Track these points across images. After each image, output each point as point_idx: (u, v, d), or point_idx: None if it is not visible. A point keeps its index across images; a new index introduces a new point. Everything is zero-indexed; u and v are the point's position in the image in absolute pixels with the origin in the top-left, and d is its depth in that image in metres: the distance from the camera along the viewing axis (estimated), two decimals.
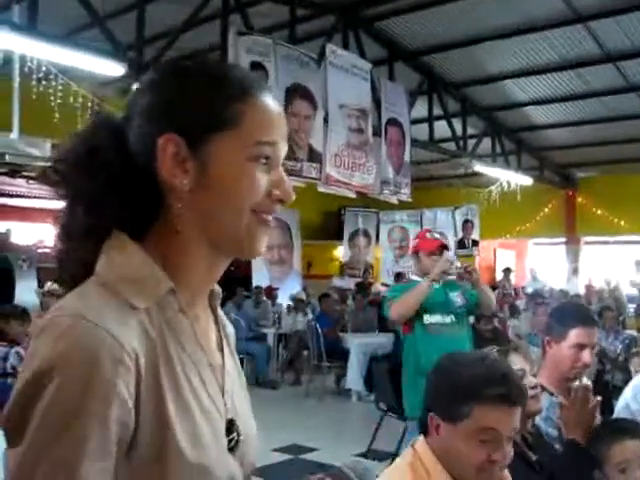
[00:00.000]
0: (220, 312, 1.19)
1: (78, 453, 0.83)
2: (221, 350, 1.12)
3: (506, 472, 1.92)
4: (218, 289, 1.16)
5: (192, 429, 0.95)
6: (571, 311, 3.22)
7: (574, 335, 2.99)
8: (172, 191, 1.00)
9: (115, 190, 1.00)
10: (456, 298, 5.07)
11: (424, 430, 2.00)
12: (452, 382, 1.92)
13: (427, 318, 4.96)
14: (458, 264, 5.12)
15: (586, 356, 2.96)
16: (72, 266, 1.02)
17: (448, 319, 5.00)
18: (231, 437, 1.04)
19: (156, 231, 1.03)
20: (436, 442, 1.93)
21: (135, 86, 7.63)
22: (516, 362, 2.52)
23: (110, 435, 0.86)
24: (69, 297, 0.95)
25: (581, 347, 2.97)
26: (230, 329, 1.23)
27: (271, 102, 1.05)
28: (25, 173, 8.13)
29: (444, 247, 5.23)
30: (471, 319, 5.98)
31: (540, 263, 18.71)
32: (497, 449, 1.84)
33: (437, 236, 5.48)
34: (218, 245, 1.04)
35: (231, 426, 1.05)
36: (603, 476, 2.55)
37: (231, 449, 1.03)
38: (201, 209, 1.00)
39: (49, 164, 1.03)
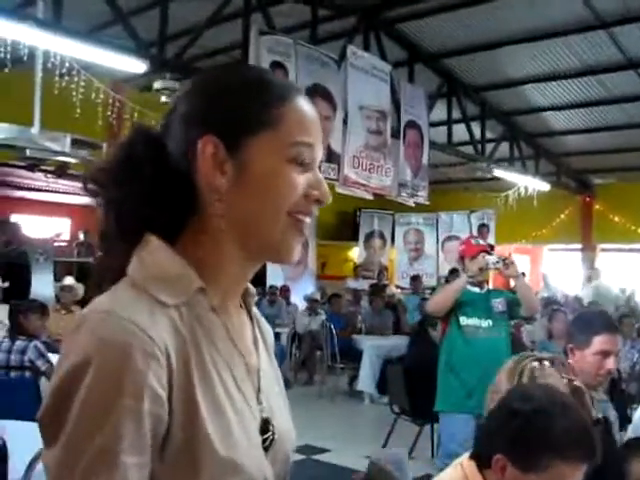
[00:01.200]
0: (255, 310, 1.20)
1: (115, 448, 0.84)
2: (257, 349, 1.13)
3: None
4: (252, 288, 1.17)
5: (223, 425, 0.95)
6: (594, 318, 3.23)
7: (598, 342, 3.00)
8: (211, 192, 1.01)
9: (149, 197, 1.02)
10: (497, 304, 5.19)
11: (477, 459, 1.96)
12: (536, 433, 1.83)
13: (464, 320, 5.13)
14: (495, 259, 5.17)
15: (610, 363, 2.97)
16: (106, 271, 1.03)
17: (485, 323, 5.13)
18: (266, 436, 1.05)
19: (190, 232, 1.04)
20: None
21: (157, 84, 7.70)
22: (551, 375, 2.52)
23: (145, 429, 0.86)
24: (102, 296, 0.96)
25: (605, 354, 2.98)
26: (267, 327, 1.24)
27: (308, 105, 1.07)
28: (44, 167, 8.17)
29: (486, 252, 5.34)
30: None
31: (555, 269, 18.63)
32: None
33: (481, 242, 5.67)
34: (251, 247, 1.05)
35: (266, 425, 1.05)
36: None
37: (266, 448, 1.04)
38: (237, 211, 1.02)
39: (90, 174, 1.06)
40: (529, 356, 2.81)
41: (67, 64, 7.14)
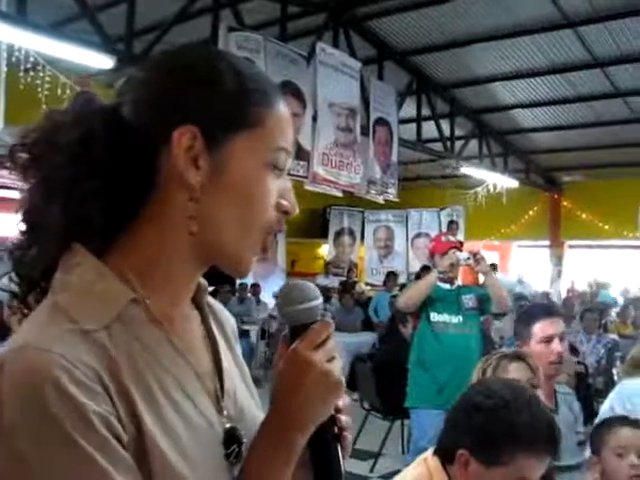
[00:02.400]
0: (214, 306, 1.13)
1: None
2: (214, 350, 1.04)
3: None
4: (204, 283, 1.07)
5: (176, 446, 0.87)
6: (530, 310, 3.31)
7: (538, 329, 3.07)
8: (181, 189, 0.92)
9: (105, 184, 0.92)
10: (467, 300, 5.21)
11: (441, 454, 1.96)
12: (499, 428, 1.83)
13: (434, 316, 5.15)
14: (466, 255, 5.19)
15: (557, 346, 3.02)
16: (31, 267, 0.94)
17: (456, 319, 5.16)
18: (231, 449, 0.96)
19: (137, 231, 0.94)
20: (460, 477, 1.88)
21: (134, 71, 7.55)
22: (518, 369, 2.53)
23: (115, 447, 0.80)
24: (23, 325, 0.88)
25: (548, 339, 3.03)
26: (225, 317, 1.16)
27: (286, 109, 1.00)
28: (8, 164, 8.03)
29: (456, 248, 5.37)
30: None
31: (523, 266, 18.80)
32: None
33: (451, 238, 5.75)
34: (211, 255, 0.97)
35: (231, 436, 0.97)
36: (599, 461, 2.61)
37: (233, 462, 0.95)
38: (208, 214, 0.93)
39: (32, 143, 0.93)
40: (496, 353, 2.82)
41: (32, 59, 7.03)
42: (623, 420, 2.72)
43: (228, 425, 0.97)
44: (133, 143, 0.92)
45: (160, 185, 0.93)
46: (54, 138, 0.92)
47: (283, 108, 0.99)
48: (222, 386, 1.00)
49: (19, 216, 0.94)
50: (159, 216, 0.93)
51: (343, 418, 1.00)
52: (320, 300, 1.01)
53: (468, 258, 5.18)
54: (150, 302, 0.92)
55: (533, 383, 2.57)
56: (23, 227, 0.94)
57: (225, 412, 0.98)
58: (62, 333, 0.82)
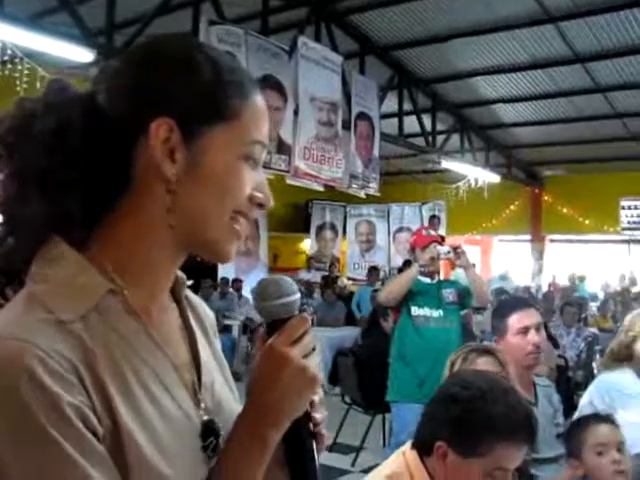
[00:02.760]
0: (193, 300, 1.13)
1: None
2: (192, 343, 1.04)
3: None
4: (182, 276, 1.07)
5: (152, 437, 0.87)
6: (506, 303, 3.33)
7: (514, 321, 3.11)
8: (157, 181, 0.92)
9: (82, 177, 0.91)
10: (448, 294, 5.23)
11: (419, 447, 1.96)
12: (476, 418, 1.83)
13: (415, 310, 5.15)
14: (446, 249, 5.19)
15: (533, 337, 3.04)
16: (7, 258, 0.93)
17: (436, 313, 5.16)
18: (208, 441, 0.96)
19: (113, 223, 0.94)
20: (440, 470, 1.88)
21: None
22: (486, 363, 2.54)
23: (89, 440, 0.79)
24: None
25: (524, 330, 3.06)
26: (204, 311, 1.15)
27: (263, 102, 1.00)
28: None
29: (437, 242, 5.37)
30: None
31: (505, 260, 18.89)
32: None
33: (432, 232, 5.70)
34: (190, 245, 0.97)
35: (208, 428, 0.97)
36: (579, 464, 2.62)
37: (210, 454, 0.96)
38: (185, 205, 0.93)
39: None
40: (465, 347, 2.84)
41: (9, 51, 6.95)
42: (597, 418, 2.73)
43: (205, 417, 0.98)
44: (109, 133, 0.92)
45: (137, 177, 0.93)
46: (28, 127, 0.91)
47: (259, 101, 0.99)
48: (200, 378, 1.00)
49: None
50: (136, 208, 0.93)
51: (318, 414, 1.00)
52: (297, 295, 1.01)
53: (449, 252, 5.19)
54: (128, 294, 0.92)
55: (502, 376, 2.58)
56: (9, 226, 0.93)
57: (202, 405, 0.98)
58: (37, 323, 0.82)
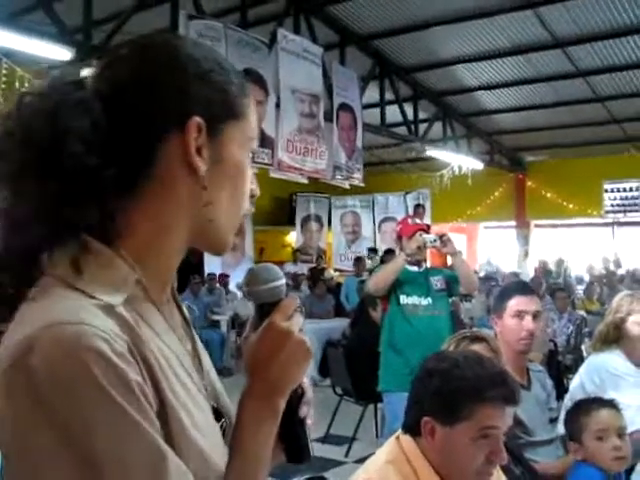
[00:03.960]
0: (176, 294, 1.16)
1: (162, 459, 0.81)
2: (190, 333, 1.10)
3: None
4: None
5: (191, 417, 0.92)
6: (508, 286, 3.38)
7: (513, 304, 3.13)
8: (182, 178, 0.96)
9: (116, 171, 0.92)
10: (436, 282, 5.23)
11: (409, 430, 1.98)
12: (454, 384, 1.88)
13: (403, 299, 5.16)
14: (432, 237, 5.19)
15: (528, 323, 3.08)
16: (21, 264, 0.91)
17: (425, 301, 5.16)
18: (221, 422, 1.04)
19: (131, 216, 0.95)
20: (430, 446, 1.91)
21: (85, 72, 7.43)
22: (479, 350, 2.55)
23: (152, 415, 0.84)
24: (32, 307, 0.86)
25: (521, 314, 3.10)
26: (186, 308, 1.21)
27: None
28: None
29: (423, 230, 5.38)
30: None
31: (491, 247, 18.96)
32: (495, 450, 1.85)
33: (418, 221, 5.75)
34: (201, 236, 1.02)
35: (217, 411, 1.04)
36: (579, 447, 2.62)
37: (223, 435, 1.03)
38: (206, 199, 0.98)
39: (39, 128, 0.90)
40: (457, 335, 2.85)
41: None
42: (598, 402, 2.74)
43: (212, 402, 1.04)
44: (132, 130, 0.94)
45: (160, 173, 0.95)
46: (60, 125, 0.89)
47: (252, 97, 1.07)
48: (201, 366, 1.07)
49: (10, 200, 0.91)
50: (160, 202, 0.96)
51: (305, 382, 1.09)
52: (284, 280, 1.10)
53: (435, 240, 5.20)
54: (146, 283, 0.95)
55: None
56: (16, 212, 0.91)
57: (209, 388, 1.05)
58: (89, 307, 0.84)
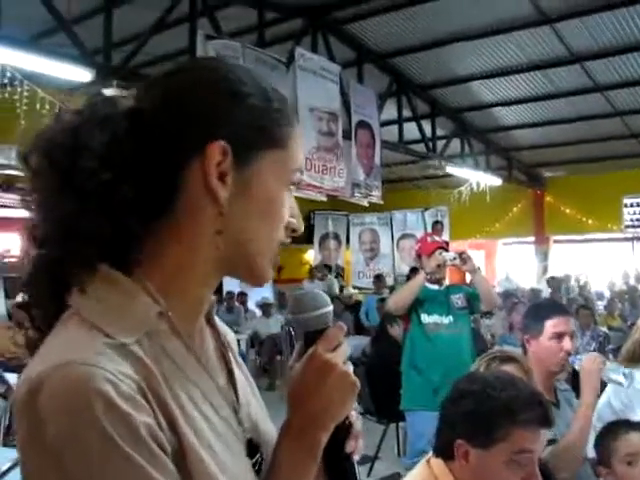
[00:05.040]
0: (216, 321, 1.12)
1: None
2: (227, 362, 1.06)
3: None
4: (212, 298, 1.06)
5: (216, 460, 0.88)
6: (543, 306, 3.33)
7: (551, 325, 3.06)
8: (206, 204, 0.92)
9: (136, 194, 0.90)
10: (457, 300, 5.22)
11: (440, 453, 1.95)
12: (488, 406, 1.85)
13: (425, 317, 5.15)
14: (452, 255, 5.15)
15: (567, 344, 3.02)
16: (47, 296, 0.91)
17: (446, 320, 5.16)
18: (255, 459, 0.99)
19: (155, 245, 0.93)
20: (463, 469, 1.87)
21: (104, 92, 7.54)
22: (510, 371, 2.51)
23: (163, 459, 0.80)
24: (50, 341, 0.86)
25: (559, 336, 3.03)
26: (228, 331, 1.16)
27: (299, 128, 1.03)
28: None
29: (442, 248, 5.35)
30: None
31: (509, 263, 18.85)
32: (530, 473, 1.82)
33: (437, 239, 5.73)
34: (234, 269, 0.99)
35: (252, 446, 0.99)
36: (609, 472, 2.58)
37: (257, 471, 0.98)
38: (233, 230, 0.94)
39: (33, 147, 0.91)
40: (487, 355, 2.82)
41: (8, 74, 6.96)
42: (628, 425, 2.69)
43: (248, 436, 1.00)
44: (158, 152, 0.91)
45: (185, 198, 0.92)
46: (79, 141, 0.89)
47: (298, 127, 1.02)
48: (237, 399, 1.02)
49: (29, 230, 0.91)
50: (183, 229, 0.93)
51: (354, 420, 1.03)
52: (331, 307, 1.05)
53: (454, 258, 5.17)
54: (172, 315, 0.92)
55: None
56: (42, 236, 0.91)
57: (245, 424, 1.00)
58: (100, 347, 0.82)
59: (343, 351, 0.99)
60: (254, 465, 0.98)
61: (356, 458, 1.03)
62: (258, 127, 0.95)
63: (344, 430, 1.00)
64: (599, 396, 2.93)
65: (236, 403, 1.01)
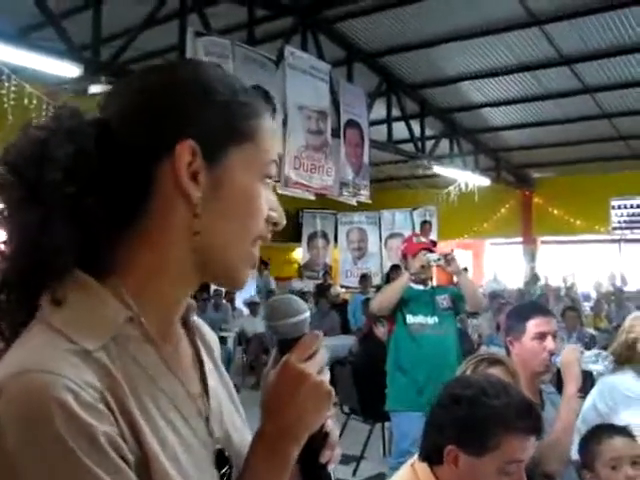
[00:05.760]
0: (199, 324, 1.11)
1: None
2: (201, 369, 1.03)
3: None
4: (192, 302, 1.05)
5: (180, 470, 0.86)
6: (524, 307, 3.34)
7: (533, 325, 3.06)
8: (179, 206, 0.91)
9: (104, 202, 0.89)
10: (442, 300, 5.21)
11: (427, 457, 1.94)
12: (482, 413, 1.84)
13: (410, 318, 5.14)
14: (436, 256, 5.15)
15: (549, 343, 3.02)
16: (20, 288, 0.89)
17: (432, 320, 5.14)
18: (223, 471, 0.96)
19: (126, 249, 0.92)
20: (452, 475, 1.86)
21: (93, 88, 7.51)
22: (497, 373, 2.51)
23: (123, 469, 0.78)
24: (14, 349, 0.84)
25: (542, 336, 3.04)
26: (210, 335, 1.14)
27: (272, 120, 1.02)
28: None
29: (428, 249, 5.35)
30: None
31: (497, 263, 18.90)
32: (517, 479, 1.82)
33: (423, 240, 5.75)
34: (209, 271, 0.96)
35: (222, 457, 0.96)
36: (593, 476, 2.57)
37: None
38: (209, 230, 0.92)
39: (23, 160, 0.88)
40: (474, 357, 2.81)
41: None
42: (612, 429, 2.69)
43: (217, 446, 0.97)
44: (127, 158, 0.90)
45: (157, 201, 0.91)
46: (40, 154, 0.87)
47: (270, 120, 1.00)
48: (209, 407, 1.00)
49: (4, 237, 0.90)
50: (157, 232, 0.92)
51: (331, 428, 1.01)
52: (307, 314, 1.02)
53: (438, 259, 5.16)
54: (145, 321, 0.91)
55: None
56: (10, 248, 0.89)
57: (215, 434, 0.98)
58: (62, 354, 0.81)
59: (319, 360, 0.97)
60: (222, 477, 0.96)
61: (332, 467, 1.00)
62: (226, 124, 0.93)
63: (320, 439, 0.98)
64: (585, 392, 2.93)
65: (208, 411, 0.99)
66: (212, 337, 1.15)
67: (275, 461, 0.94)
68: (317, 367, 0.96)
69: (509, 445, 1.80)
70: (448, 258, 5.20)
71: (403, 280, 5.15)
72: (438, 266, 5.23)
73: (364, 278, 13.11)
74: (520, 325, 3.10)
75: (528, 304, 3.52)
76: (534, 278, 16.03)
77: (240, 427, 1.07)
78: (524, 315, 3.13)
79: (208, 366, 1.06)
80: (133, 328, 0.90)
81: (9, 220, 0.89)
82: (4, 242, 0.90)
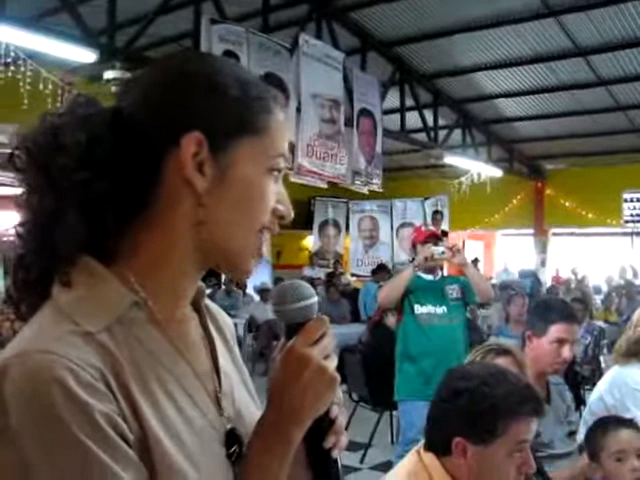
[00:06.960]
0: (210, 305, 1.13)
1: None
2: (212, 351, 1.05)
3: None
4: (202, 286, 1.08)
5: (182, 448, 0.88)
6: (552, 307, 3.25)
7: (555, 330, 3.04)
8: (187, 195, 0.93)
9: (113, 189, 0.91)
10: (451, 290, 5.19)
11: (433, 448, 1.96)
12: (485, 404, 1.86)
13: (418, 308, 5.13)
14: (440, 249, 5.14)
15: (566, 352, 3.01)
16: (30, 271, 0.92)
17: (440, 310, 5.13)
18: (233, 450, 0.98)
19: (136, 235, 0.95)
20: (461, 465, 1.88)
21: (107, 74, 7.52)
22: (504, 364, 2.53)
23: (121, 446, 0.81)
24: (24, 328, 0.89)
25: (561, 342, 3.02)
26: (225, 320, 1.17)
27: (283, 114, 1.03)
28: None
29: (435, 236, 5.37)
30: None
31: (508, 254, 18.87)
32: (525, 461, 1.86)
33: (431, 228, 5.65)
34: (213, 259, 0.99)
35: (233, 436, 0.99)
36: (598, 467, 2.59)
37: (234, 462, 0.97)
38: (213, 220, 0.95)
39: (19, 145, 0.93)
40: (483, 347, 2.83)
41: (12, 53, 6.95)
42: (618, 422, 2.70)
43: (228, 426, 0.99)
44: (138, 147, 0.93)
45: (164, 190, 0.94)
46: (55, 141, 0.91)
47: (281, 114, 1.01)
48: (220, 387, 1.02)
49: (20, 219, 0.94)
50: (163, 220, 0.95)
51: (336, 414, 1.01)
52: (315, 299, 1.02)
53: (443, 252, 5.14)
54: (152, 305, 0.94)
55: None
56: (25, 230, 0.93)
57: (225, 413, 1.00)
58: (64, 335, 0.84)
59: (325, 344, 0.97)
60: (231, 455, 0.97)
61: (336, 453, 1.01)
62: (234, 116, 0.95)
63: (325, 425, 0.99)
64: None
65: (218, 391, 1.01)
66: (226, 320, 1.17)
67: (277, 443, 0.95)
68: (323, 352, 0.96)
69: (515, 429, 1.84)
70: (454, 250, 5.19)
71: (407, 273, 5.15)
72: (442, 259, 5.22)
73: (380, 268, 13.06)
74: (543, 324, 3.08)
75: (556, 304, 3.39)
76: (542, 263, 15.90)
77: (253, 410, 1.08)
78: (549, 316, 3.10)
79: (219, 347, 1.08)
80: (139, 311, 0.92)
81: (25, 204, 0.93)
82: (20, 224, 0.93)
